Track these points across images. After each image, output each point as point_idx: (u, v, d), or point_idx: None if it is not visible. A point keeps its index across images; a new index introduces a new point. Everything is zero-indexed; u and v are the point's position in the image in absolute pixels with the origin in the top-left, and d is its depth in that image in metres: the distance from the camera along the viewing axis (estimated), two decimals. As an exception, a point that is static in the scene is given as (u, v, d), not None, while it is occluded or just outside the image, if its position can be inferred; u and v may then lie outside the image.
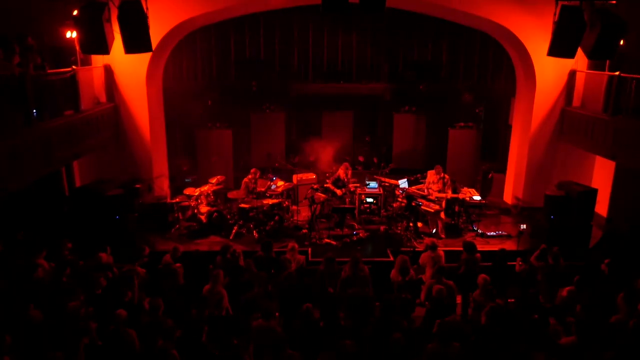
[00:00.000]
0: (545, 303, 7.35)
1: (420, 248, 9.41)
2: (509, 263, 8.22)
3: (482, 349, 5.61)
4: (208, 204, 11.43)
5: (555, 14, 8.77)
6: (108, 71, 11.07)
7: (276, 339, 5.55)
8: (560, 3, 8.70)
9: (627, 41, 10.00)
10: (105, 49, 8.64)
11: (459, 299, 7.79)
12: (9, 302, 5.99)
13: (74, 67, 9.60)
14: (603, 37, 8.50)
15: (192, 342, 5.84)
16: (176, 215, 11.08)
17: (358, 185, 11.77)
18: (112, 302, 6.33)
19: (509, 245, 10.21)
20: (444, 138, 13.97)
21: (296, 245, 8.08)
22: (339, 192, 11.47)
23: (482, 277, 7.04)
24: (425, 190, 10.89)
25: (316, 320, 6.24)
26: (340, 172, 11.67)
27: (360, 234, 10.67)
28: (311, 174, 12.69)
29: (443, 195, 10.72)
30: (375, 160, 14.36)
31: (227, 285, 6.99)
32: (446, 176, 10.82)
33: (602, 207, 11.19)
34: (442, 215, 10.63)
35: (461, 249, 8.34)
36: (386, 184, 11.97)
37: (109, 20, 8.89)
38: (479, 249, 8.29)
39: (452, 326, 5.70)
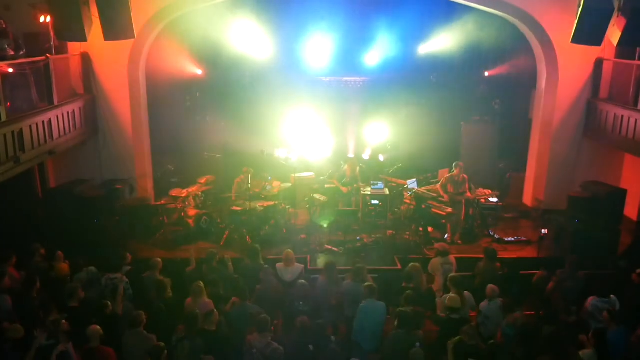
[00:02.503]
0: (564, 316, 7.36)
1: (430, 255, 9.40)
2: (522, 272, 8.22)
3: None
4: (196, 207, 11.43)
5: (580, -3, 8.77)
6: (86, 60, 11.06)
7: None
8: (585, -15, 8.70)
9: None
10: (82, 36, 8.64)
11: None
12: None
13: (48, 55, 9.58)
14: (633, 23, 8.49)
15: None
16: (161, 218, 11.07)
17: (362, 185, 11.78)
18: (91, 316, 6.32)
19: (529, 252, 10.22)
20: (457, 133, 13.95)
21: (291, 253, 8.04)
22: (344, 189, 11.47)
23: (490, 287, 7.03)
24: (444, 195, 10.77)
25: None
26: (347, 169, 11.68)
27: (365, 240, 10.66)
28: (310, 172, 12.69)
29: (462, 197, 10.62)
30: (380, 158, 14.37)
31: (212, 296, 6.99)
32: (465, 176, 10.73)
33: (631, 209, 11.17)
34: (462, 219, 10.63)
35: (476, 255, 8.34)
36: (393, 184, 11.97)
37: (86, 4, 8.89)
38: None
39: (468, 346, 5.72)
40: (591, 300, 7.00)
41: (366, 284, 6.94)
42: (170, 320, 6.63)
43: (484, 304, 7.01)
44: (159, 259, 7.92)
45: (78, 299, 6.65)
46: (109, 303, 6.56)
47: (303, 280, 7.40)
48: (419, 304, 6.92)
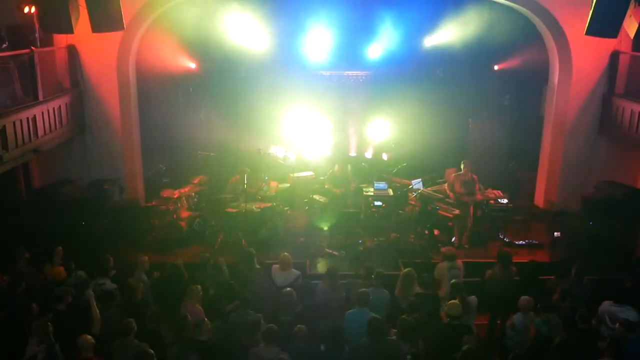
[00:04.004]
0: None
1: (437, 259, 9.40)
2: (540, 277, 8.21)
3: None
4: (189, 208, 11.43)
5: (594, -14, 8.75)
6: (72, 53, 11.06)
7: None
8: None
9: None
10: (69, 27, 8.61)
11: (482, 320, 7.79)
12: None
13: (32, 47, 9.58)
14: (651, 13, 8.48)
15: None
16: (152, 221, 11.06)
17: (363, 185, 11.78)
18: (77, 322, 6.33)
19: (541, 256, 10.23)
20: (464, 130, 13.94)
21: (288, 257, 8.03)
22: (337, 191, 11.49)
23: (525, 299, 6.98)
24: (451, 194, 10.76)
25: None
26: (337, 170, 11.70)
27: (367, 243, 10.66)
28: (309, 172, 12.70)
29: (471, 198, 10.63)
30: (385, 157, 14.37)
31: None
32: (474, 176, 10.74)
33: (649, 211, 11.18)
34: (470, 221, 10.63)
35: (485, 260, 8.34)
36: (397, 184, 11.97)
37: (73, -7, 8.87)
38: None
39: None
40: (606, 306, 6.98)
41: (360, 290, 6.90)
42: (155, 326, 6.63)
43: (517, 317, 6.97)
44: (146, 258, 7.93)
45: (67, 303, 6.66)
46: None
47: (289, 289, 7.31)
48: (424, 311, 6.92)
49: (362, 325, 6.29)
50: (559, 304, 7.54)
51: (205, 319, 6.34)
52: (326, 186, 11.82)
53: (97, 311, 6.66)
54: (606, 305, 6.99)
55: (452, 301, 6.67)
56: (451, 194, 10.69)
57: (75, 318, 6.48)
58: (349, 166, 12.03)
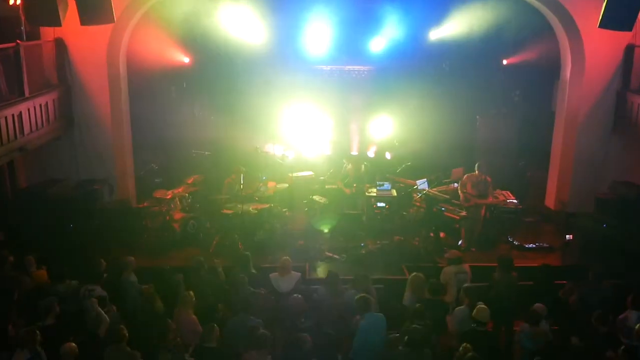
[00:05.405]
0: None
1: (442, 263, 9.40)
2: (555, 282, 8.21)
3: None
4: (183, 210, 11.44)
5: (608, -23, 8.76)
6: (60, 47, 11.06)
7: None
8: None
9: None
10: (56, 20, 8.63)
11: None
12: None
13: (18, 41, 9.59)
14: (667, 5, 8.48)
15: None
16: (144, 222, 11.08)
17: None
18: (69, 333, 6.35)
19: (552, 260, 10.22)
20: (472, 128, 13.93)
21: (288, 261, 8.06)
22: (347, 191, 11.50)
23: (538, 306, 6.99)
24: (461, 195, 10.76)
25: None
26: (350, 169, 11.71)
27: (369, 246, 10.67)
28: (309, 172, 12.70)
29: (484, 201, 10.63)
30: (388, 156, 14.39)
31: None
32: (488, 178, 10.72)
33: (666, 212, 11.18)
34: (481, 224, 10.64)
35: (493, 264, 8.34)
36: (401, 184, 11.98)
37: (61, -16, 8.88)
38: (514, 265, 8.26)
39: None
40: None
41: (358, 296, 6.92)
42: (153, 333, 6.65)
43: (526, 326, 6.99)
44: (132, 258, 7.96)
45: (54, 316, 6.66)
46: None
47: (297, 295, 7.39)
48: (429, 318, 6.93)
49: (379, 328, 6.40)
50: (576, 307, 7.57)
51: (215, 325, 6.37)
52: (327, 186, 11.82)
53: (103, 314, 6.72)
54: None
55: (481, 306, 6.71)
56: (462, 195, 10.69)
57: (65, 330, 6.50)
58: (363, 166, 12.02)
